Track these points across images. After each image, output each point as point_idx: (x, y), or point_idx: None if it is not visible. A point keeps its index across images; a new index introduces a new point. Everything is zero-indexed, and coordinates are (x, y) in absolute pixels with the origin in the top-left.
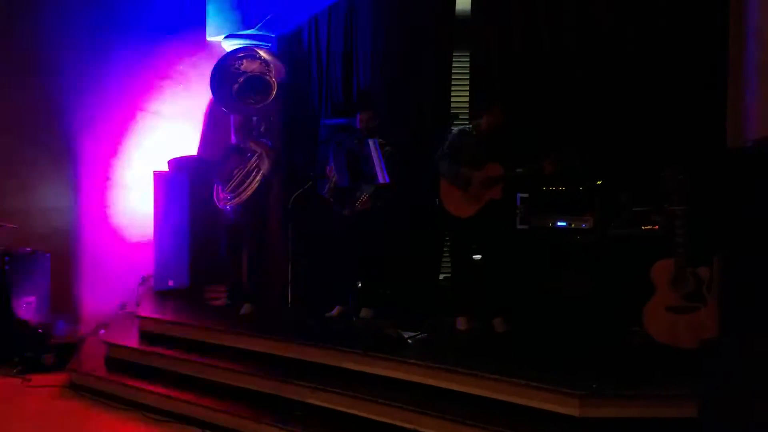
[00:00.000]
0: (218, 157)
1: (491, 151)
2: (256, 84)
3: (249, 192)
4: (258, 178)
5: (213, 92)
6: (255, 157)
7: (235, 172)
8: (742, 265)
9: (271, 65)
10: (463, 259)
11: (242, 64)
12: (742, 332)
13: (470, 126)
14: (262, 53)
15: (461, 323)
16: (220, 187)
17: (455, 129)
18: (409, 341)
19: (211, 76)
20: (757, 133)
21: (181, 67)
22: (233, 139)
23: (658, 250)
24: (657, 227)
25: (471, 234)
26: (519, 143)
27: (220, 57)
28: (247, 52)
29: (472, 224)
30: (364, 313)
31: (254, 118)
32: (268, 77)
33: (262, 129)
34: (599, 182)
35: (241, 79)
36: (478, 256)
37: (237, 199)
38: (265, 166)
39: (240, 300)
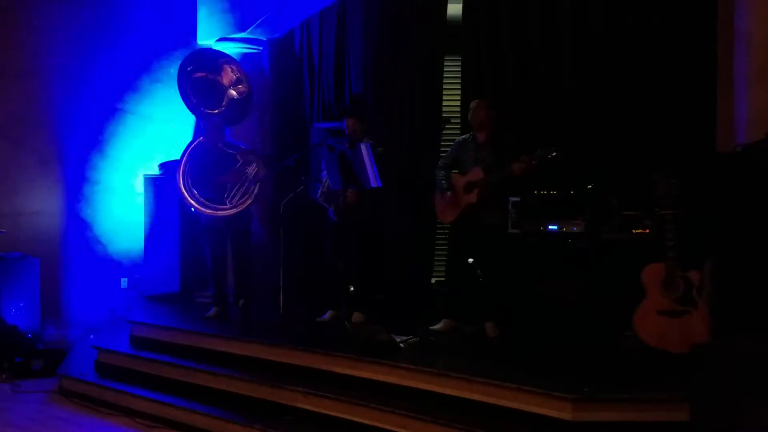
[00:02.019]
0: (192, 160)
1: (487, 156)
2: (211, 89)
3: (248, 203)
4: (257, 189)
5: (178, 75)
6: (254, 167)
7: (228, 184)
8: (733, 268)
9: (236, 77)
10: (452, 263)
11: (224, 69)
12: (733, 335)
13: (469, 135)
14: (231, 68)
15: (443, 325)
16: (201, 195)
17: (457, 139)
18: (402, 345)
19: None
20: (746, 137)
21: (172, 70)
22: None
23: (648, 254)
24: (648, 231)
25: (454, 238)
26: (513, 147)
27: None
28: (238, 66)
29: (454, 229)
30: (357, 317)
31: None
32: (225, 94)
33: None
34: (590, 186)
35: (205, 75)
36: (471, 260)
37: (234, 209)
38: (262, 175)
39: (225, 304)
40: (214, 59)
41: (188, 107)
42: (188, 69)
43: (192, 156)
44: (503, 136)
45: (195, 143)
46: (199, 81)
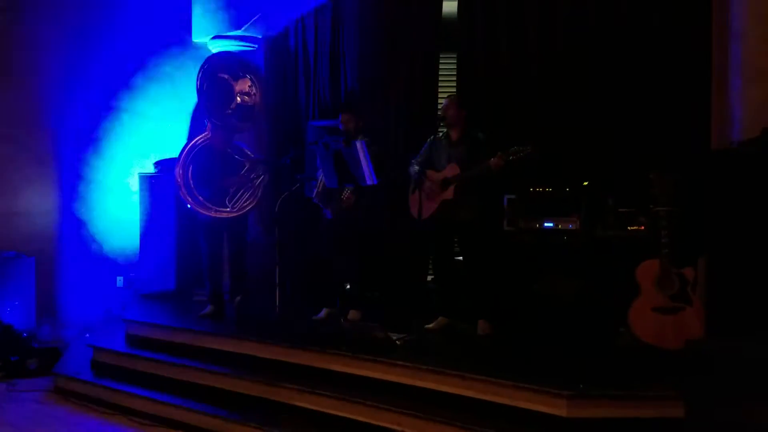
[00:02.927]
0: (196, 159)
1: (461, 153)
2: (224, 92)
3: (249, 208)
4: (260, 193)
5: (204, 68)
6: (261, 173)
7: (232, 189)
8: (727, 265)
9: (249, 96)
10: (435, 260)
11: (242, 77)
12: (727, 332)
13: (442, 133)
14: (250, 82)
15: (438, 322)
16: (203, 197)
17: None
18: (398, 343)
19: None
20: (741, 135)
21: (167, 68)
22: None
23: (643, 251)
24: (643, 228)
25: (431, 235)
26: (503, 145)
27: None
28: (258, 79)
29: (431, 225)
30: (352, 315)
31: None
32: (234, 99)
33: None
34: (585, 183)
35: (226, 78)
36: (460, 258)
37: (233, 213)
38: (266, 181)
39: (220, 302)
40: (243, 68)
41: (199, 101)
42: (216, 67)
43: (197, 154)
44: (475, 133)
45: (201, 141)
46: (220, 81)
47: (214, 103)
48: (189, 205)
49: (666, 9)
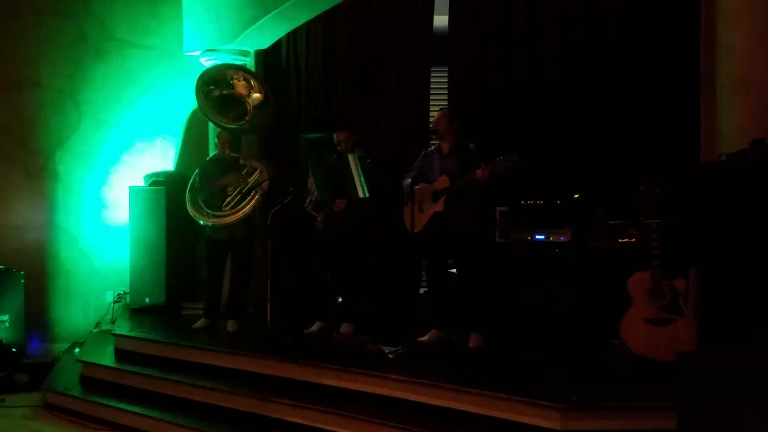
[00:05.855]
0: (203, 174)
1: (452, 165)
2: (235, 103)
3: (247, 210)
4: (258, 196)
5: (197, 98)
6: (257, 174)
7: (230, 189)
8: (718, 276)
9: (254, 90)
10: (431, 273)
11: (234, 80)
12: (719, 344)
13: (435, 146)
14: (251, 79)
15: (431, 335)
16: (202, 202)
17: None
18: (390, 356)
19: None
20: (730, 147)
21: (158, 81)
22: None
23: (634, 263)
24: (633, 240)
25: (424, 248)
26: (476, 155)
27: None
28: (245, 72)
29: (425, 238)
30: (345, 328)
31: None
32: (246, 103)
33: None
34: (576, 196)
35: (220, 92)
36: (453, 271)
37: (232, 217)
38: (265, 184)
39: (215, 317)
40: (222, 75)
41: (217, 125)
42: (204, 91)
43: (203, 170)
44: (467, 144)
45: (209, 158)
46: (218, 98)
47: (229, 120)
48: (202, 222)
49: (655, 22)
